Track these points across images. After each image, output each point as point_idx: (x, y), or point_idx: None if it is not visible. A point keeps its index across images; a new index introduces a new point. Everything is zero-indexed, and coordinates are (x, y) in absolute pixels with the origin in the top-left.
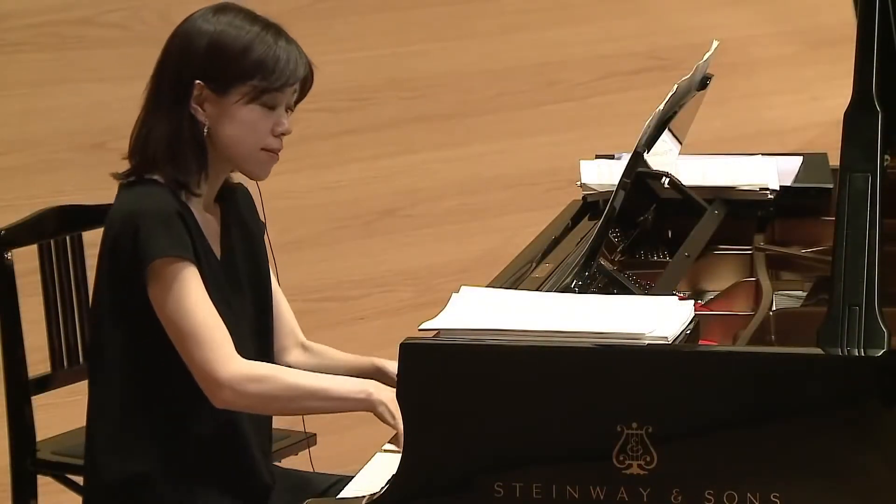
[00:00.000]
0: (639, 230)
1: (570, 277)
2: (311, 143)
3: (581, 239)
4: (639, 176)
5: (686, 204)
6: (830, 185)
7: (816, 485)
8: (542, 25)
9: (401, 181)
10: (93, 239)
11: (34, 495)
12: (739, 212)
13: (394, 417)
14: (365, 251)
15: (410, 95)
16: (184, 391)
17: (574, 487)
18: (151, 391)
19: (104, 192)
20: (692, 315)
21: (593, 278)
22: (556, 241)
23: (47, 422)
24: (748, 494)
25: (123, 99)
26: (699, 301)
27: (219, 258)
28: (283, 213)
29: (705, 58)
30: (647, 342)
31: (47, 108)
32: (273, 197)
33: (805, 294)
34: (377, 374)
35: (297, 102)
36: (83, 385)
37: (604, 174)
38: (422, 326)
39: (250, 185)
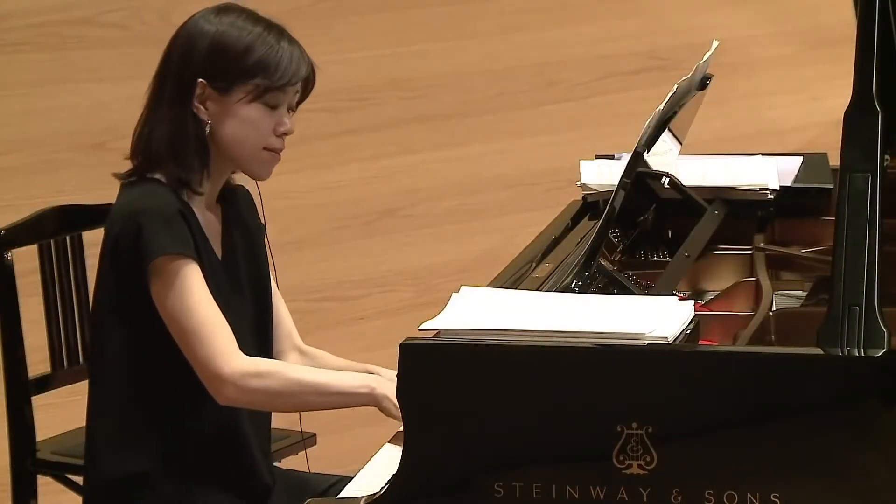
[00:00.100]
0: (639, 230)
1: (570, 277)
2: (312, 143)
3: (581, 239)
4: (639, 176)
5: (686, 204)
6: (830, 185)
7: (816, 485)
8: (542, 25)
9: (401, 181)
10: (93, 239)
11: (34, 495)
12: (739, 212)
13: (399, 411)
14: (365, 251)
15: (410, 95)
16: (184, 390)
17: (574, 487)
18: (152, 390)
19: (104, 192)
20: (692, 315)
21: (593, 278)
22: (556, 241)
23: (47, 422)
24: (748, 494)
25: (123, 99)
26: (699, 301)
27: (219, 258)
28: (283, 213)
29: (705, 58)
30: (647, 342)
31: (47, 108)
32: (273, 197)
33: (805, 294)
34: None
35: (299, 103)
36: (83, 385)
37: (604, 174)
38: (422, 326)
39: (250, 185)
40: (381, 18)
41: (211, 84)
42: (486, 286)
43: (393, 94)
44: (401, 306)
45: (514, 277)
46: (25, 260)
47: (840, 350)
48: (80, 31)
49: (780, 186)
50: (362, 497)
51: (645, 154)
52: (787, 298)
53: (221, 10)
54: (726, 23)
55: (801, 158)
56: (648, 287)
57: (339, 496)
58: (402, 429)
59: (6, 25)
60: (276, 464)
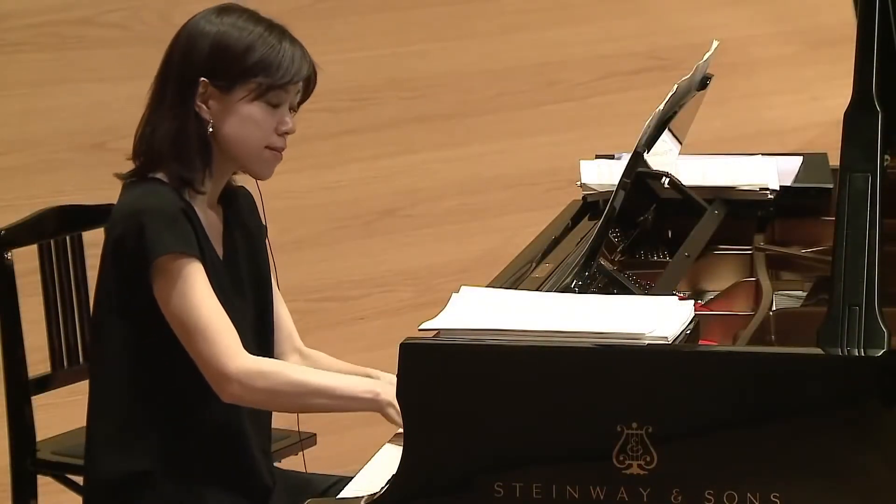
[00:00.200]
0: (639, 230)
1: (570, 277)
2: (312, 143)
3: (581, 239)
4: (639, 176)
5: (686, 204)
6: (830, 185)
7: (816, 485)
8: (542, 25)
9: (401, 181)
10: (93, 239)
11: (34, 495)
12: (739, 212)
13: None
14: (365, 251)
15: (410, 95)
16: (185, 390)
17: (574, 487)
18: (153, 390)
19: (104, 192)
20: (692, 315)
21: (593, 278)
22: (556, 241)
23: (47, 422)
24: (748, 494)
25: (123, 99)
26: (699, 301)
27: (221, 258)
28: (283, 213)
29: (705, 58)
30: (647, 342)
31: (47, 108)
32: (273, 197)
33: (805, 294)
34: None
35: (300, 103)
36: (83, 385)
37: (604, 174)
38: (422, 326)
39: (251, 186)
40: (381, 18)
41: (213, 83)
42: (486, 286)
43: (393, 94)
44: (401, 306)
45: (514, 277)
46: (25, 260)
47: (840, 350)
48: (80, 31)
49: (780, 186)
50: (362, 497)
51: (645, 154)
52: (787, 298)
53: (222, 11)
54: (726, 23)
55: (801, 158)
56: (648, 287)
57: (339, 496)
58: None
59: (6, 25)
60: (275, 464)
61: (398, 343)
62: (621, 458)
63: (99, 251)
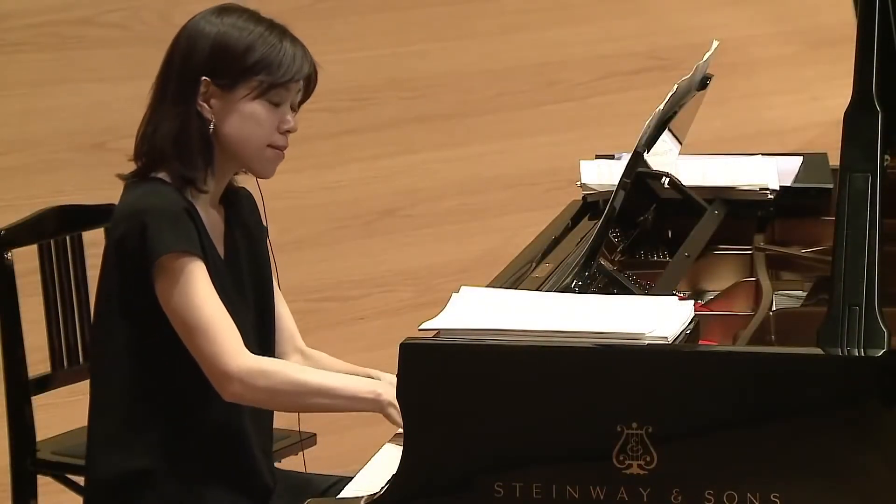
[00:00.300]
0: (639, 230)
1: (570, 277)
2: (312, 143)
3: (581, 239)
4: (639, 176)
5: (686, 204)
6: (830, 185)
7: (816, 485)
8: (542, 25)
9: (401, 181)
10: (93, 239)
11: (34, 495)
12: (739, 212)
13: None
14: (365, 251)
15: (410, 95)
16: (186, 390)
17: (574, 487)
18: (154, 390)
19: (104, 192)
20: (692, 315)
21: (593, 278)
22: (556, 241)
23: (47, 422)
24: (748, 494)
25: (123, 99)
26: (699, 301)
27: (222, 258)
28: (283, 213)
29: (705, 58)
30: (647, 342)
31: (47, 108)
32: (273, 197)
33: (805, 294)
34: None
35: (301, 102)
36: (83, 385)
37: (604, 174)
38: (422, 326)
39: (252, 187)
40: (381, 18)
41: (214, 82)
42: (486, 286)
43: (393, 94)
44: (401, 306)
45: (514, 277)
46: (25, 260)
47: (840, 350)
48: (80, 31)
49: (780, 186)
50: (362, 497)
51: (645, 154)
52: (787, 298)
53: (223, 11)
54: (726, 23)
55: (801, 158)
56: (648, 287)
57: (339, 496)
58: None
59: (6, 25)
60: (276, 464)
61: (398, 343)
62: (621, 458)
63: (99, 251)
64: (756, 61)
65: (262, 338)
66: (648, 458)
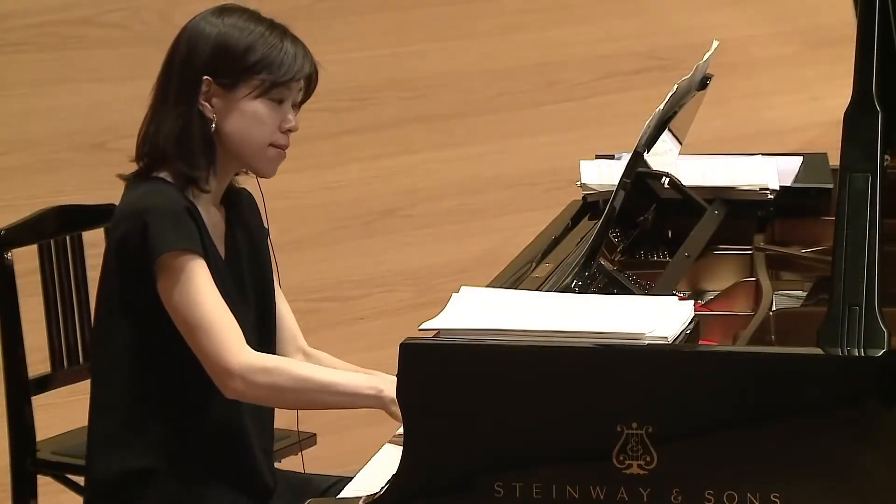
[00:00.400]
0: (639, 230)
1: (570, 277)
2: (312, 143)
3: (581, 239)
4: (639, 176)
5: (686, 204)
6: (830, 185)
7: (816, 485)
8: (542, 25)
9: (401, 181)
10: (93, 239)
11: (34, 495)
12: (739, 212)
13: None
14: (365, 251)
15: (410, 95)
16: (187, 389)
17: (574, 487)
18: (155, 389)
19: (104, 192)
20: (692, 315)
21: (593, 278)
22: (556, 241)
23: (47, 422)
24: (748, 494)
25: (123, 99)
26: (699, 301)
27: (223, 258)
28: (284, 213)
29: (705, 58)
30: (647, 342)
31: (47, 108)
32: (273, 197)
33: (805, 294)
34: None
35: (302, 102)
36: (83, 385)
37: (604, 174)
38: (422, 326)
39: (252, 188)
40: (381, 18)
41: (216, 81)
42: (486, 286)
43: (393, 94)
44: (401, 306)
45: (514, 277)
46: (25, 260)
47: (840, 350)
48: (80, 31)
49: (780, 186)
50: (362, 497)
51: (645, 154)
52: (787, 298)
53: (223, 11)
54: (726, 23)
55: (801, 158)
56: (648, 287)
57: (339, 496)
58: (402, 429)
59: (6, 25)
60: (276, 464)
61: (398, 343)
62: (621, 458)
63: (99, 251)
64: (756, 61)
65: (262, 338)
66: (648, 458)
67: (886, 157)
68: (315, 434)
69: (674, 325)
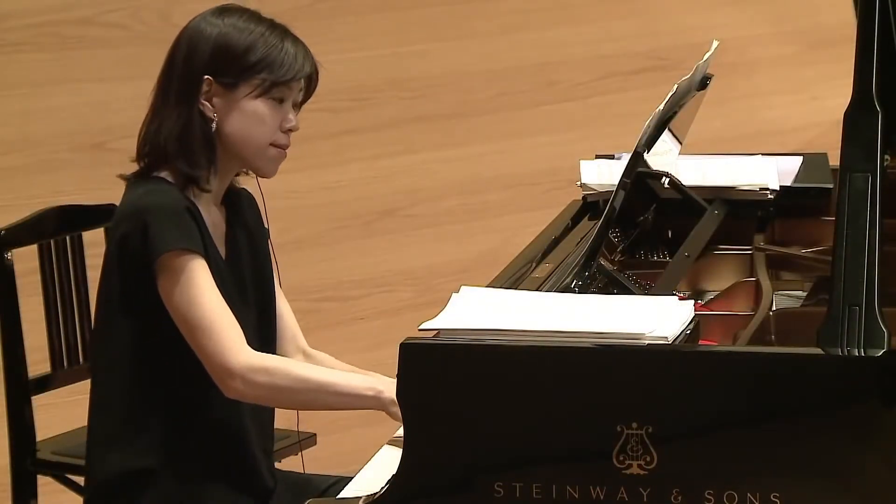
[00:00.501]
0: (639, 230)
1: (570, 277)
2: (312, 143)
3: (581, 239)
4: (639, 176)
5: (686, 204)
6: (830, 185)
7: (816, 485)
8: (542, 25)
9: (401, 181)
10: (93, 239)
11: (34, 495)
12: (739, 212)
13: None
14: (365, 251)
15: (410, 95)
16: (187, 389)
17: (574, 487)
18: (155, 388)
19: (104, 192)
20: (692, 315)
21: (593, 278)
22: (556, 241)
23: (47, 422)
24: (748, 494)
25: (123, 99)
26: (699, 301)
27: (224, 258)
28: (283, 213)
29: (705, 58)
30: (647, 342)
31: (47, 108)
32: (273, 197)
33: (805, 294)
34: None
35: (303, 102)
36: (83, 385)
37: (604, 174)
38: (422, 326)
39: (252, 187)
40: (381, 18)
41: (217, 80)
42: (486, 286)
43: (393, 94)
44: (401, 306)
45: (514, 277)
46: (25, 260)
47: (840, 350)
48: (80, 31)
49: (780, 186)
50: (362, 497)
51: (645, 154)
52: (787, 298)
53: (223, 12)
54: (726, 23)
55: (801, 158)
56: (648, 287)
57: (339, 496)
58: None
59: (6, 25)
60: (276, 464)
61: (398, 343)
62: (621, 458)
63: (99, 251)
64: (756, 61)
65: (263, 338)
66: (648, 458)
67: (886, 157)
68: (315, 434)
69: (674, 325)
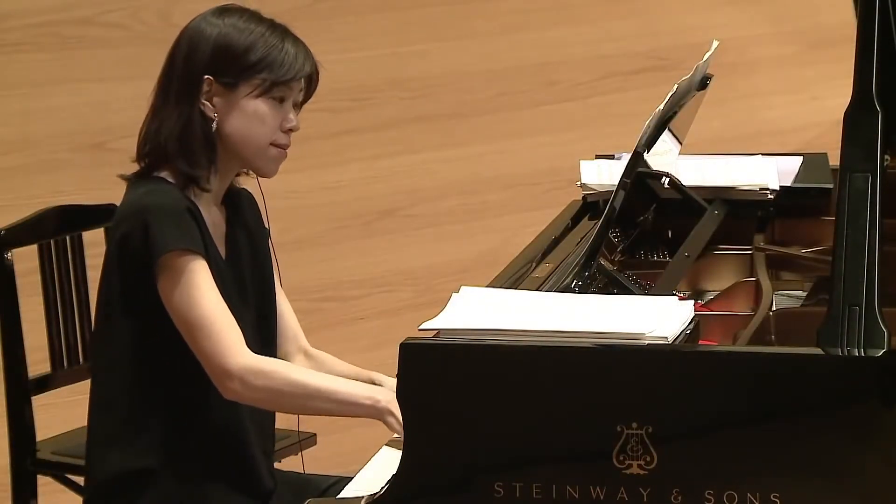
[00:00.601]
0: (639, 230)
1: (570, 277)
2: (312, 143)
3: (581, 239)
4: (639, 176)
5: (686, 204)
6: (830, 185)
7: (816, 485)
8: (542, 25)
9: (401, 181)
10: (93, 239)
11: (34, 495)
12: (739, 212)
13: (402, 426)
14: (365, 251)
15: (410, 95)
16: (187, 389)
17: (574, 487)
18: (155, 388)
19: (104, 192)
20: (692, 315)
21: (593, 278)
22: (556, 241)
23: (47, 422)
24: (748, 494)
25: (123, 99)
26: (699, 301)
27: (224, 258)
28: (283, 213)
29: (705, 58)
30: (647, 342)
31: (47, 108)
32: (273, 197)
33: (805, 294)
34: None
35: (303, 102)
36: (83, 385)
37: (604, 174)
38: (422, 326)
39: (252, 187)
40: (381, 18)
41: (217, 80)
42: (486, 286)
43: (393, 94)
44: (401, 306)
45: (514, 277)
46: (25, 260)
47: (840, 350)
48: (80, 31)
49: (780, 186)
50: (362, 497)
51: (645, 154)
52: (787, 298)
53: (223, 12)
54: (726, 23)
55: (801, 158)
56: (648, 287)
57: (339, 496)
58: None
59: (6, 25)
60: (276, 465)
61: (398, 343)
62: (621, 458)
63: (99, 251)
64: (756, 61)
65: (263, 338)
66: (648, 458)
67: (886, 157)
68: (315, 434)
69: (674, 325)
